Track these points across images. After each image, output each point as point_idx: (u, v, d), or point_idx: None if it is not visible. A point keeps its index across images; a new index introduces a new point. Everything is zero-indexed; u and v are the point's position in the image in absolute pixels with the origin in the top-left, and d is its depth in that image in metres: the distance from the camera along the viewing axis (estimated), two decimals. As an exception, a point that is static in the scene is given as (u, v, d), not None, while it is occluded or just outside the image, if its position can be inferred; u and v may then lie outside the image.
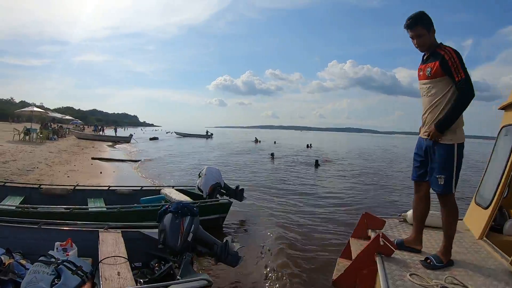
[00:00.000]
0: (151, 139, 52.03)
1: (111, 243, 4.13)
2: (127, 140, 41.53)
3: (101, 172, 15.28)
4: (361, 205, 11.95)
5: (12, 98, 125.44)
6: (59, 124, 41.84)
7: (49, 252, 3.61)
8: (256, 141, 56.63)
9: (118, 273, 3.47)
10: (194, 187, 9.36)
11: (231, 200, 8.70)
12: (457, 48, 3.34)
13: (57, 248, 3.93)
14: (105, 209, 7.26)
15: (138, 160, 21.51)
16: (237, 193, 9.24)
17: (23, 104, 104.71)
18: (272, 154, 29.18)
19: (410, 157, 4.20)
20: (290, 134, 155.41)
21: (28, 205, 6.57)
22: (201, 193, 8.74)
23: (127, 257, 3.86)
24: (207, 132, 74.56)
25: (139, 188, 9.29)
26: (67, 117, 52.94)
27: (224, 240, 4.63)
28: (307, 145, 46.32)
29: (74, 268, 3.44)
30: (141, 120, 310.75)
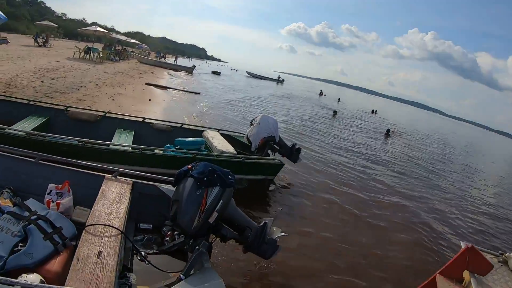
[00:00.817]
0: (213, 72, 50.60)
1: (113, 198, 3.04)
2: (189, 70, 40.30)
3: (150, 100, 14.10)
4: (436, 201, 9.75)
5: (84, 19, 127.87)
6: (123, 47, 41.25)
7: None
8: (321, 93, 54.56)
9: (99, 253, 2.28)
10: (243, 135, 7.85)
11: (283, 162, 7.21)
12: None
13: (50, 191, 3.10)
14: (126, 147, 5.89)
15: (194, 93, 20.20)
16: (293, 153, 7.75)
17: (94, 25, 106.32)
18: (335, 112, 27.38)
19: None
20: (355, 94, 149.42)
21: (36, 132, 5.44)
22: (249, 145, 7.31)
23: (123, 226, 2.69)
24: (278, 77, 72.71)
25: (179, 125, 7.79)
26: (133, 40, 52.46)
27: (263, 223, 3.59)
28: (372, 110, 43.40)
29: (50, 230, 2.49)
30: (208, 53, 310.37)
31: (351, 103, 53.55)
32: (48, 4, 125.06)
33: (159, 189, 3.58)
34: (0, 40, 25.59)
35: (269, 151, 7.35)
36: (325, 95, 54.31)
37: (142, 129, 7.32)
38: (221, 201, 2.93)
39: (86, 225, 2.53)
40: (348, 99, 67.68)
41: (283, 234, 3.81)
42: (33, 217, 2.51)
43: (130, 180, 3.46)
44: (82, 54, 26.33)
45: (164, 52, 55.30)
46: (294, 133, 14.69)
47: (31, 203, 2.73)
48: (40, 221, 2.50)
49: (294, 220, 6.19)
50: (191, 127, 8.13)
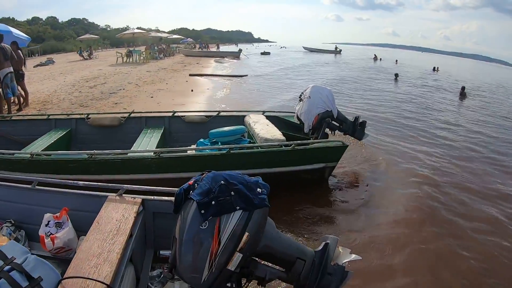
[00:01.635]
0: (262, 53, 49.15)
1: (110, 228, 2.20)
2: (236, 55, 39.13)
3: (192, 90, 13.16)
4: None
5: (127, 26, 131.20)
6: (167, 44, 41.14)
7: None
8: (376, 58, 51.00)
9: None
10: (294, 113, 6.31)
11: (346, 142, 5.41)
12: None
13: (48, 222, 2.57)
14: (140, 153, 4.70)
15: (242, 76, 19.01)
16: (356, 128, 6.10)
17: (141, 30, 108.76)
18: (396, 75, 24.51)
19: None
20: (411, 55, 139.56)
21: (41, 152, 4.81)
22: (301, 125, 5.92)
23: (115, 274, 1.84)
24: (336, 47, 69.22)
25: (216, 113, 6.48)
26: (175, 36, 52.33)
27: (322, 245, 2.08)
28: (434, 68, 39.23)
29: (25, 284, 1.67)
30: (255, 36, 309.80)
31: (409, 64, 49.16)
32: (91, 20, 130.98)
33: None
34: (46, 62, 26.41)
35: (327, 130, 5.87)
36: (380, 59, 50.63)
37: (172, 125, 6.23)
38: (247, 233, 1.72)
39: (62, 278, 1.80)
40: (405, 60, 63.07)
41: (354, 256, 2.21)
42: (6, 268, 1.77)
43: (138, 198, 2.61)
44: (125, 58, 26.43)
45: (205, 42, 54.34)
46: (358, 106, 12.45)
47: (10, 246, 1.96)
48: (13, 273, 1.76)
49: (370, 233, 4.23)
50: (230, 113, 6.80)
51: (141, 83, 14.44)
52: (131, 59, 26.58)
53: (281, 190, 4.32)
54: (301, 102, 5.94)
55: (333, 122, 5.89)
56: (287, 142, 4.94)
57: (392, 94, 16.41)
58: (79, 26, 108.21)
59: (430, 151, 7.64)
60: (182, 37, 57.49)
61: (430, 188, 5.62)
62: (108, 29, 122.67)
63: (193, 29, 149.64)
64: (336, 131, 6.06)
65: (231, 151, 4.60)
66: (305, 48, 72.11)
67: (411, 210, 4.85)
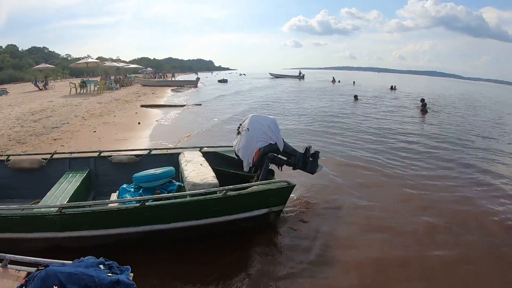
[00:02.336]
0: (220, 81, 49.10)
1: None
2: (193, 83, 38.86)
3: (139, 123, 12.48)
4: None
5: (89, 56, 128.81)
6: (125, 74, 40.44)
7: None
8: (334, 81, 51.91)
9: None
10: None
11: (292, 182, 4.71)
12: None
13: None
14: (41, 209, 3.88)
15: (195, 104, 18.60)
16: (308, 161, 5.43)
17: (100, 59, 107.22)
18: (356, 96, 24.22)
19: None
20: (368, 75, 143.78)
21: None
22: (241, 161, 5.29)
23: None
24: (300, 72, 68.91)
25: (147, 151, 5.84)
26: (133, 65, 51.51)
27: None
28: (391, 86, 39.89)
29: None
30: (216, 64, 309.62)
31: (367, 84, 50.47)
32: (52, 49, 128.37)
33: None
34: (0, 92, 25.51)
35: (273, 166, 5.28)
36: (339, 81, 51.79)
37: (98, 166, 5.56)
38: None
39: None
40: (363, 81, 64.57)
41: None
42: None
43: (23, 271, 2.23)
44: (79, 89, 25.44)
45: (162, 71, 53.27)
46: (314, 132, 11.90)
47: None
48: None
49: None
50: (163, 151, 6.20)
51: (88, 116, 13.70)
52: (85, 90, 25.61)
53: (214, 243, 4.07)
54: (239, 134, 5.21)
55: (279, 156, 5.26)
56: (218, 188, 4.20)
57: (352, 116, 16.08)
58: (39, 55, 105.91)
59: (394, 175, 7.34)
60: (141, 66, 56.73)
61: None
62: (69, 58, 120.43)
63: (154, 59, 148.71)
64: (284, 166, 5.40)
65: (147, 203, 3.87)
66: (271, 74, 72.72)
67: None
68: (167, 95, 25.33)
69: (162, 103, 20.01)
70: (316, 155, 5.48)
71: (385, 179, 7.09)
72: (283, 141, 5.32)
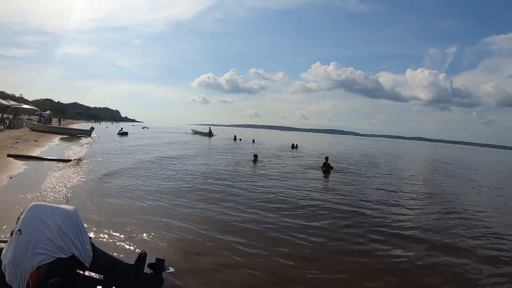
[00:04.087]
0: (119, 133, 45.96)
1: None
2: (87, 133, 36.03)
3: None
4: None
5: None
6: (14, 114, 36.73)
7: None
8: (235, 138, 52.19)
9: None
10: None
11: None
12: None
13: None
14: None
15: (64, 161, 15.53)
16: (143, 276, 3.67)
17: (1, 94, 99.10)
18: (255, 156, 22.50)
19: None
20: (272, 133, 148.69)
21: None
22: None
23: None
24: (209, 129, 65.32)
25: None
26: (26, 106, 47.42)
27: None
28: (293, 145, 40.29)
29: None
30: (123, 115, 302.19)
31: (268, 142, 51.37)
32: None
33: None
34: None
35: None
36: (240, 139, 51.95)
37: None
38: None
39: None
40: (265, 139, 65.54)
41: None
42: None
43: None
44: None
45: (48, 116, 48.34)
46: (205, 203, 9.76)
47: None
48: None
49: None
50: None
51: None
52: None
53: None
54: (8, 242, 3.02)
55: (82, 274, 3.41)
56: None
57: (251, 184, 13.42)
58: None
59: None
60: (36, 108, 52.34)
61: None
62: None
63: (58, 102, 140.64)
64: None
65: None
66: (192, 130, 71.99)
67: None
68: (47, 145, 22.17)
69: (36, 154, 17.47)
70: (159, 266, 3.79)
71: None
72: (94, 247, 3.42)
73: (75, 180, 11.39)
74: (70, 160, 15.44)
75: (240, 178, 14.58)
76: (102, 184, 11.34)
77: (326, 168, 18.54)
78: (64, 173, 12.55)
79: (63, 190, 9.78)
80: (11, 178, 10.65)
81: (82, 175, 12.56)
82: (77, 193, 9.62)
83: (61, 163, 14.67)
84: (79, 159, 16.02)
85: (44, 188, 9.74)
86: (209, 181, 13.49)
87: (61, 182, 10.89)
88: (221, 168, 17.75)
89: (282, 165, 21.28)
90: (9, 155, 14.53)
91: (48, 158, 15.37)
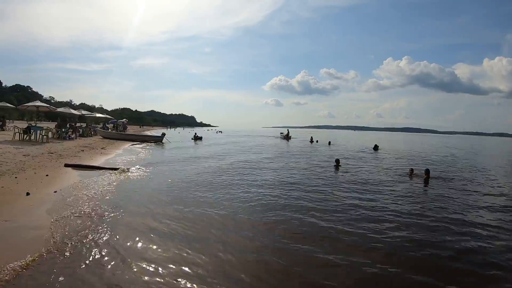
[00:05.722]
0: (194, 138, 45.47)
1: None
2: (158, 139, 36.06)
3: (28, 194, 8.93)
4: None
5: (71, 100, 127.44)
6: (88, 123, 37.71)
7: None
8: (312, 140, 49.38)
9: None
10: None
11: None
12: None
13: None
14: None
15: (127, 170, 14.39)
16: None
17: (82, 106, 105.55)
18: (338, 161, 19.14)
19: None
20: (346, 134, 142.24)
21: None
22: None
23: None
24: (288, 131, 62.43)
25: None
26: (100, 115, 48.69)
27: None
28: (375, 146, 36.37)
29: None
30: (198, 120, 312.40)
31: (345, 144, 47.84)
32: (35, 89, 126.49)
33: None
34: None
35: None
36: (317, 141, 49.08)
37: None
38: None
39: None
40: (341, 140, 62.11)
41: None
42: None
43: None
44: (23, 135, 22.46)
45: (122, 123, 49.40)
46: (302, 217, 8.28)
47: None
48: None
49: None
50: None
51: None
52: (32, 137, 22.57)
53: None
54: None
55: None
56: None
57: (338, 199, 10.63)
58: (22, 93, 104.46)
59: None
60: (111, 117, 53.85)
61: None
62: (52, 100, 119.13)
63: (135, 110, 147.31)
64: None
65: None
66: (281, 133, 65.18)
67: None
68: (113, 153, 21.49)
69: (103, 160, 17.03)
70: None
71: None
72: None
73: (122, 194, 10.06)
74: (127, 170, 14.27)
75: (329, 188, 12.31)
76: (153, 199, 9.86)
77: (426, 178, 15.08)
78: (115, 187, 11.30)
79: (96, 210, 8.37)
80: (55, 192, 9.53)
81: (135, 187, 11.31)
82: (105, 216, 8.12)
83: (117, 172, 13.61)
84: (138, 168, 14.79)
85: (79, 209, 8.34)
86: (294, 193, 11.38)
87: (105, 197, 9.57)
88: (306, 175, 15.48)
89: (367, 169, 18.27)
90: (66, 165, 13.81)
91: (105, 167, 14.40)
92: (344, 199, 10.61)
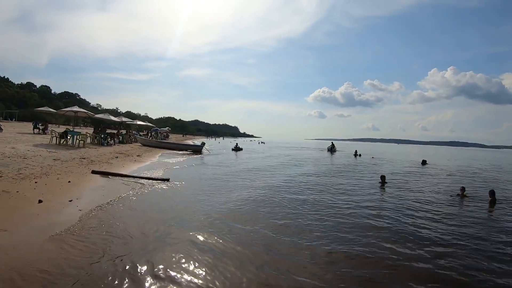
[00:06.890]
0: (234, 149, 44.47)
1: None
2: (197, 148, 35.57)
3: (40, 201, 8.18)
4: None
5: (117, 108, 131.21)
6: (129, 130, 37.92)
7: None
8: (356, 154, 47.10)
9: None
10: None
11: None
12: None
13: None
14: None
15: (160, 180, 13.43)
16: None
17: (128, 114, 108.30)
18: (383, 178, 17.46)
19: None
20: (389, 147, 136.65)
21: None
22: None
23: None
24: (332, 143, 59.43)
25: None
26: (140, 122, 48.84)
27: None
28: (423, 161, 34.17)
29: None
30: (241, 131, 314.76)
31: (389, 158, 44.72)
32: (83, 96, 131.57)
33: None
34: None
35: None
36: (360, 155, 46.78)
37: None
38: None
39: None
40: (384, 154, 58.90)
41: None
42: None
43: None
44: (59, 139, 22.42)
45: (165, 131, 49.73)
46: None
47: None
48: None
49: None
50: None
51: (14, 177, 10.23)
52: (69, 142, 22.59)
53: None
54: None
55: None
56: None
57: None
58: (70, 100, 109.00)
59: None
60: (152, 125, 54.21)
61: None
62: (99, 108, 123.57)
63: (180, 119, 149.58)
64: None
65: None
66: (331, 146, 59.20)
67: None
68: (148, 162, 20.66)
69: (135, 168, 16.49)
70: None
71: None
72: None
73: (141, 214, 9.16)
74: (166, 180, 13.57)
75: (380, 212, 10.49)
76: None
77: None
78: (140, 199, 10.48)
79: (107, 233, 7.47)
80: (71, 201, 8.78)
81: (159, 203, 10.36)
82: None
83: (148, 181, 12.88)
84: (168, 179, 13.66)
85: (84, 235, 7.48)
86: (343, 219, 9.82)
87: (123, 215, 8.70)
88: (351, 195, 13.53)
89: (417, 189, 15.96)
90: (93, 172, 13.21)
91: (132, 175, 13.68)
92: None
